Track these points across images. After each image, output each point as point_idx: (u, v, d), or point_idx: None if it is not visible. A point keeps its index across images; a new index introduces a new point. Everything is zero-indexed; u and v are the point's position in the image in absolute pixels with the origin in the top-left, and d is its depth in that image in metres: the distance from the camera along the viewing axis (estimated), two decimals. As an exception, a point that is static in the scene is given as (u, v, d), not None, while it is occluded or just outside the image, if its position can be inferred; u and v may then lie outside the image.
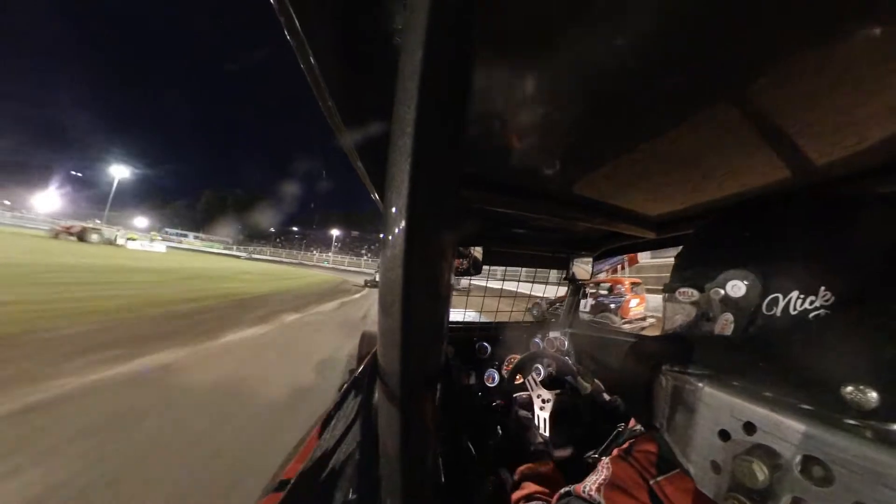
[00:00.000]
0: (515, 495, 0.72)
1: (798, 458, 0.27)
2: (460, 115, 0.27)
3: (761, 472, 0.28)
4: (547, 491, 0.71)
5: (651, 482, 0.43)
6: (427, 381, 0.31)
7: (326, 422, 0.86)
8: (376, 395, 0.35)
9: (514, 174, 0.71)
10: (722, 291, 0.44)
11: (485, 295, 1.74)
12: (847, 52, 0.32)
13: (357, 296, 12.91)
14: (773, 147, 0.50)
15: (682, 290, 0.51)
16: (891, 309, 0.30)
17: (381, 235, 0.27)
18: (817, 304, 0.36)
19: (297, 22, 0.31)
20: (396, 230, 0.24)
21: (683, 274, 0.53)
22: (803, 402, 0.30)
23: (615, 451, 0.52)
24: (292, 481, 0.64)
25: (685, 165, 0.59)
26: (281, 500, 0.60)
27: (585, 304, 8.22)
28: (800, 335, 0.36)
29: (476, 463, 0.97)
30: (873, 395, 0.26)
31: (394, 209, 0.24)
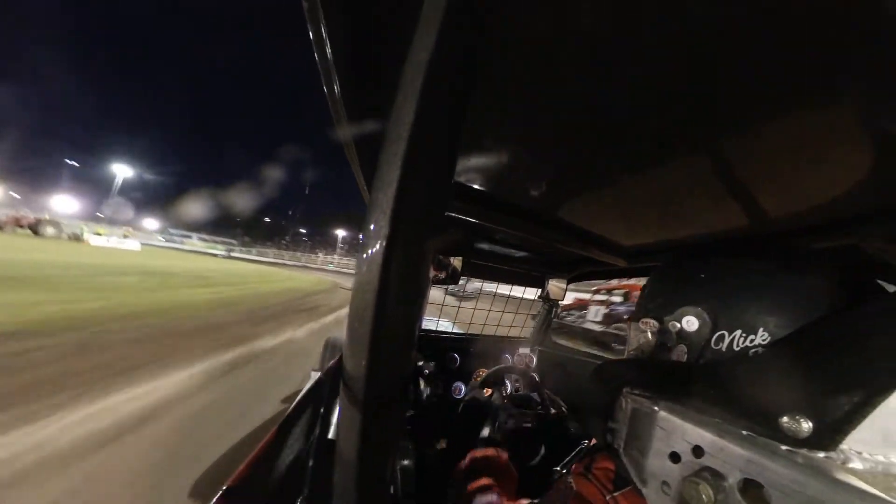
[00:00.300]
0: (470, 486, 0.71)
1: (740, 481, 0.29)
2: (458, 126, 0.28)
3: (706, 494, 0.30)
4: (493, 482, 0.71)
5: (608, 497, 0.45)
6: (393, 390, 0.31)
7: (282, 428, 0.81)
8: (339, 401, 0.34)
9: (501, 191, 0.74)
10: (678, 325, 0.48)
11: (475, 307, 1.75)
12: (800, 127, 0.37)
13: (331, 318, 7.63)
14: (736, 197, 0.55)
15: (644, 320, 0.54)
16: (820, 350, 0.34)
17: (362, 235, 0.26)
18: (756, 342, 0.40)
19: (319, 9, 0.31)
20: (378, 231, 0.23)
21: (647, 305, 0.56)
22: (746, 428, 0.32)
23: (576, 468, 0.53)
24: (237, 489, 0.60)
25: (659, 203, 0.64)
26: None
27: (597, 314, 7.66)
28: (742, 368, 0.39)
29: (437, 473, 0.95)
30: (807, 425, 0.28)
31: (379, 209, 0.23)
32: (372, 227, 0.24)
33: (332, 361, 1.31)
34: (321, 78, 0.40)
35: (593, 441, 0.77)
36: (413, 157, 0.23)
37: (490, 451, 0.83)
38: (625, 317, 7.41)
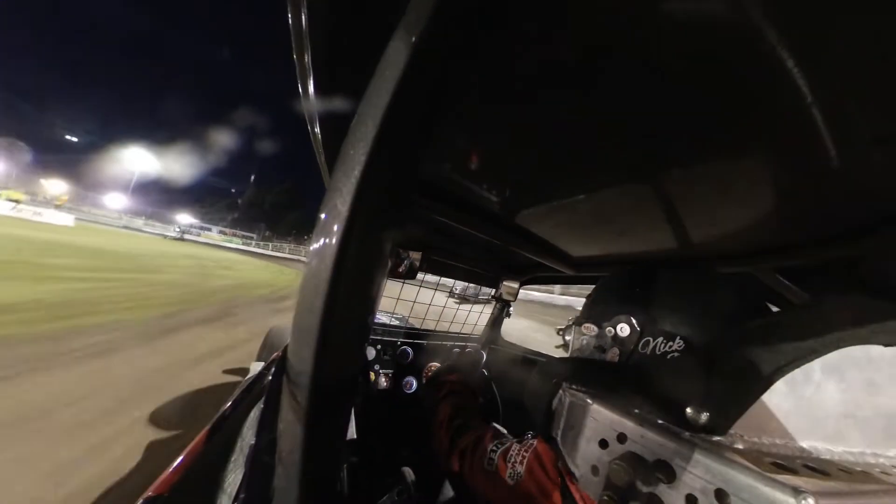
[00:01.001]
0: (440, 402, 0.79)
1: (654, 461, 0.35)
2: (430, 118, 0.27)
3: (627, 474, 0.35)
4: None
5: (559, 463, 0.48)
6: (341, 385, 0.29)
7: (214, 429, 0.74)
8: (282, 397, 0.31)
9: (465, 191, 0.75)
10: (613, 330, 0.55)
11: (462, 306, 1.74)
12: (720, 174, 0.46)
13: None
14: (669, 223, 0.64)
15: (586, 324, 0.61)
16: (715, 356, 0.41)
17: (319, 218, 0.24)
18: (674, 347, 0.47)
19: None
20: (336, 215, 0.22)
21: (590, 312, 0.63)
22: (661, 418, 0.38)
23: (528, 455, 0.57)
24: (163, 497, 0.53)
25: (608, 221, 0.71)
26: None
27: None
28: (660, 369, 0.46)
29: (387, 472, 0.95)
30: (705, 415, 0.34)
31: (338, 193, 0.22)
32: (329, 210, 0.23)
33: (276, 353, 1.22)
34: (292, 43, 0.37)
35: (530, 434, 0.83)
36: (382, 143, 0.22)
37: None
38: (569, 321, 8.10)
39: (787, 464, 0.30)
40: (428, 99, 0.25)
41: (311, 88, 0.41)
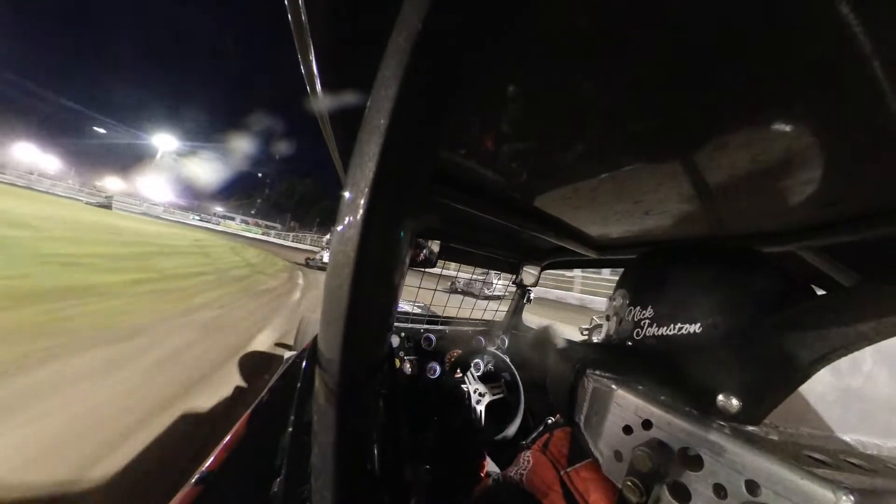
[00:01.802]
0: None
1: (680, 449, 0.34)
2: (442, 105, 0.26)
3: (652, 461, 0.34)
4: None
5: (562, 472, 0.49)
6: (368, 371, 0.31)
7: (256, 411, 0.80)
8: (315, 382, 0.33)
9: (482, 178, 0.74)
10: (633, 311, 0.54)
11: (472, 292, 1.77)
12: (761, 145, 0.41)
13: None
14: (700, 203, 0.60)
15: (612, 307, 0.60)
16: (753, 341, 0.39)
17: (339, 212, 0.24)
18: (693, 330, 0.45)
19: None
20: (356, 209, 0.22)
21: (616, 295, 0.61)
22: (689, 405, 0.37)
23: (536, 446, 0.58)
24: (214, 472, 0.59)
25: (632, 200, 0.68)
26: (200, 492, 0.55)
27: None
28: (687, 355, 0.44)
29: (413, 454, 0.99)
30: (737, 403, 0.33)
31: (356, 186, 0.22)
32: (349, 204, 0.23)
33: (308, 342, 1.29)
34: (294, 38, 0.37)
35: (558, 416, 0.83)
36: (396, 133, 0.22)
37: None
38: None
39: (827, 458, 0.28)
40: (438, 85, 0.24)
41: (318, 84, 0.42)
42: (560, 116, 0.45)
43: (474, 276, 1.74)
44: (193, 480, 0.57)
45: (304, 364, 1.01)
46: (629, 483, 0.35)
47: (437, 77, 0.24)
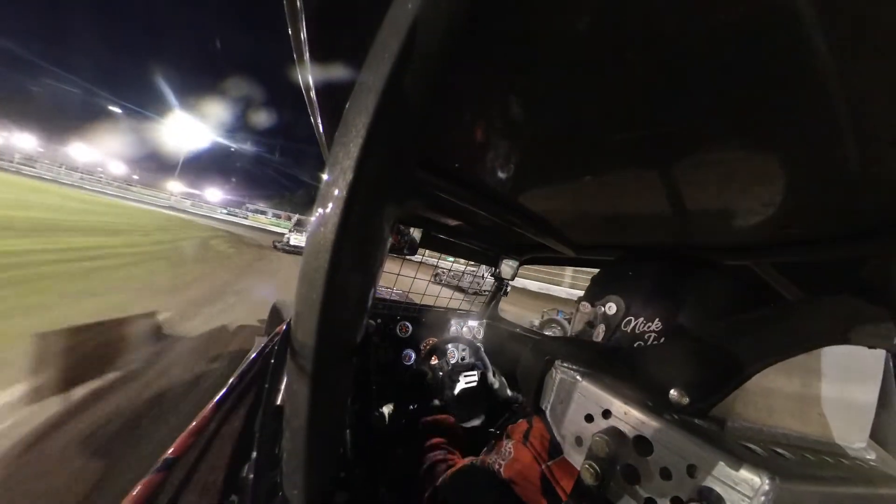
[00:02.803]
0: (424, 448, 0.79)
1: (633, 436, 0.37)
2: (437, 86, 0.25)
3: (608, 447, 0.37)
4: (444, 441, 0.80)
5: (543, 466, 0.51)
6: (342, 357, 0.30)
7: (225, 395, 0.78)
8: (287, 367, 0.33)
9: (469, 169, 0.74)
10: (602, 308, 0.57)
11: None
12: (727, 166, 0.44)
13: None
14: (674, 212, 0.63)
15: (583, 303, 0.63)
16: (704, 343, 0.42)
17: (320, 193, 0.23)
18: (653, 328, 0.50)
19: None
20: (338, 189, 0.21)
21: (588, 293, 0.65)
22: (645, 398, 0.40)
23: (517, 437, 0.61)
24: (178, 459, 0.57)
25: (610, 206, 0.71)
26: (162, 479, 0.53)
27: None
28: (649, 352, 0.48)
29: (386, 439, 1.01)
30: (686, 397, 0.36)
31: (339, 166, 0.21)
32: (331, 184, 0.22)
33: (280, 327, 1.26)
34: (284, 7, 0.35)
35: (523, 403, 0.88)
36: (383, 114, 0.21)
37: (439, 417, 0.91)
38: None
39: (758, 447, 0.32)
40: (432, 69, 0.24)
41: (307, 55, 0.39)
42: (549, 119, 0.46)
43: (454, 267, 1.75)
44: (156, 467, 0.56)
45: (275, 348, 0.99)
46: (587, 466, 0.38)
47: (434, 56, 0.23)
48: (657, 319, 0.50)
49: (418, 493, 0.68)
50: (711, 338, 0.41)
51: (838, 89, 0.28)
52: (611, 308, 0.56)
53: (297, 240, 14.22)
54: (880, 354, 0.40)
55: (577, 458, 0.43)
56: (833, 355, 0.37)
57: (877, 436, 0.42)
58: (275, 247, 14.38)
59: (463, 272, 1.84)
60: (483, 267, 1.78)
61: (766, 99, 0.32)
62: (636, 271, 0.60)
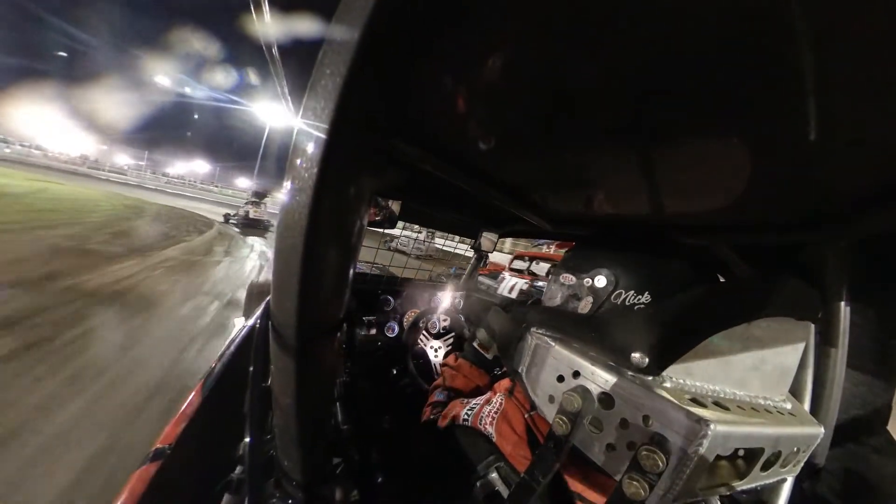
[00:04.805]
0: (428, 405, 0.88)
1: (598, 393, 0.41)
2: (415, 47, 0.23)
3: (577, 402, 0.42)
4: (441, 383, 0.90)
5: (526, 415, 0.57)
6: (326, 331, 0.31)
7: (210, 380, 0.77)
8: (270, 347, 0.32)
9: (449, 139, 0.72)
10: (591, 281, 0.60)
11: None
12: (693, 151, 0.47)
13: None
14: (646, 190, 0.66)
15: (564, 275, 0.66)
16: (662, 311, 0.47)
17: (289, 164, 0.21)
18: (641, 299, 0.53)
19: None
20: (310, 160, 0.19)
21: (568, 264, 0.68)
22: (611, 360, 0.44)
23: (503, 391, 0.66)
24: (170, 447, 0.57)
25: (588, 182, 0.72)
26: (158, 469, 0.53)
27: (512, 290, 6.74)
28: (617, 320, 0.52)
29: (375, 407, 1.05)
30: (645, 359, 0.41)
31: (309, 132, 0.19)
32: (300, 152, 0.20)
33: (260, 308, 1.24)
34: None
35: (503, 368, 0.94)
36: (359, 75, 0.18)
37: (450, 359, 0.99)
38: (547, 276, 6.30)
39: (700, 400, 0.37)
40: (414, 23, 0.21)
41: (265, 2, 0.34)
42: (533, 90, 0.45)
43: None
44: (148, 457, 0.55)
45: (257, 328, 0.97)
46: (559, 420, 0.43)
47: (417, 5, 0.21)
48: (646, 292, 0.54)
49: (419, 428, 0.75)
50: (669, 308, 0.46)
51: (810, 88, 0.29)
52: (600, 281, 0.59)
53: (257, 212, 12.38)
54: (808, 325, 0.46)
55: (549, 414, 0.48)
56: (769, 324, 0.43)
57: (794, 389, 0.51)
58: (227, 221, 12.41)
59: (415, 240, 1.86)
60: (426, 232, 1.80)
61: (741, 92, 0.33)
62: (622, 246, 0.63)
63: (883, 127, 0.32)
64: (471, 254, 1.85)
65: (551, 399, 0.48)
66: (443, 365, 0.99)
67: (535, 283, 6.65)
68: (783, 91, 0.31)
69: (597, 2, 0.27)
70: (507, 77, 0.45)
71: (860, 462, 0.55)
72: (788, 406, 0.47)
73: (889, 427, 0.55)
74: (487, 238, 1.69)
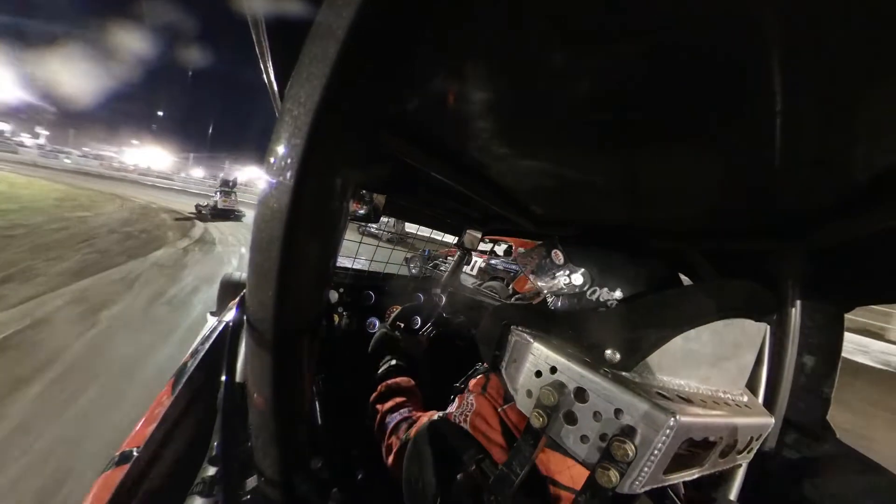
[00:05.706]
0: (380, 406, 0.84)
1: (574, 387, 0.43)
2: (407, 36, 0.22)
3: (553, 396, 0.43)
4: (405, 400, 0.86)
5: (499, 410, 0.59)
6: (304, 326, 0.30)
7: (180, 379, 0.73)
8: (245, 342, 0.31)
9: (437, 135, 0.72)
10: (568, 279, 0.62)
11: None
12: (669, 161, 0.49)
13: None
14: (625, 195, 0.69)
15: (543, 272, 0.68)
16: (633, 310, 0.50)
17: (269, 152, 0.20)
18: (614, 296, 0.55)
19: None
20: (293, 149, 0.19)
21: (546, 262, 0.70)
22: (586, 356, 0.46)
23: (476, 389, 0.67)
24: (139, 450, 0.54)
25: (571, 185, 0.75)
26: (126, 473, 0.50)
27: (473, 267, 7.06)
28: (592, 318, 0.55)
29: (354, 405, 1.04)
30: (617, 355, 0.43)
31: (294, 121, 0.19)
32: (283, 141, 0.19)
33: (234, 301, 1.19)
34: None
35: (484, 364, 0.95)
36: (347, 62, 0.18)
37: (399, 380, 0.96)
38: (502, 274, 6.72)
39: (666, 394, 0.40)
40: (407, 8, 0.21)
41: None
42: (524, 90, 0.46)
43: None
44: (115, 461, 0.52)
45: (230, 325, 0.94)
46: (536, 413, 0.45)
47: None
48: (618, 290, 0.56)
49: (383, 453, 0.74)
50: (640, 307, 0.49)
51: (782, 106, 0.30)
52: (577, 279, 0.62)
53: (226, 203, 12.05)
54: (763, 326, 0.50)
55: (527, 408, 0.49)
56: (730, 325, 0.46)
57: (750, 384, 0.55)
58: (198, 211, 11.67)
59: (386, 222, 1.86)
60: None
61: (713, 114, 0.35)
62: (598, 247, 0.66)
63: (843, 149, 0.35)
64: (441, 237, 1.85)
65: (529, 394, 0.50)
66: (392, 384, 0.94)
67: (491, 261, 7.05)
68: (753, 113, 0.33)
69: (575, 9, 0.28)
70: (497, 77, 0.45)
71: (803, 447, 0.61)
72: (745, 399, 0.50)
73: (829, 417, 0.62)
74: (471, 235, 1.70)
